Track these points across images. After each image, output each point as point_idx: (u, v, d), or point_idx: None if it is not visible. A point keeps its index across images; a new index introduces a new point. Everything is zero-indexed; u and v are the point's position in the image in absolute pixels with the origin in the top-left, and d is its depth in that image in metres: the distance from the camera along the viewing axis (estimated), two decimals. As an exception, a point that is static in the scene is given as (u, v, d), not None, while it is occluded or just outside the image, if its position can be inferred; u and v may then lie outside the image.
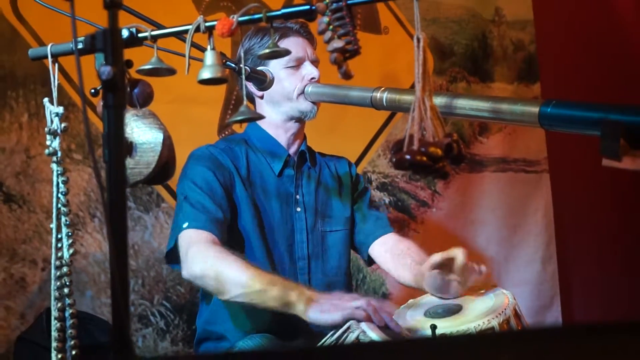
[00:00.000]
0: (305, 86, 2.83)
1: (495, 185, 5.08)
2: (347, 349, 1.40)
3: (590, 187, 5.13)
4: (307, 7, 1.77)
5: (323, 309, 2.38)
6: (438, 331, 2.34)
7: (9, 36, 3.44)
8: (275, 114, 2.93)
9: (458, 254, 2.64)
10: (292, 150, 2.98)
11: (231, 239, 2.77)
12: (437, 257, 2.66)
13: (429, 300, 2.75)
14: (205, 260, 2.57)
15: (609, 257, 5.53)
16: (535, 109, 1.91)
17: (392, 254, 3.02)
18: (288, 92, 2.85)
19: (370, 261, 3.14)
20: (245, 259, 2.64)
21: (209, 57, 1.83)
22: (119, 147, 1.41)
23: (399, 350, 1.07)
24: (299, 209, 2.94)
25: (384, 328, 2.34)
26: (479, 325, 2.39)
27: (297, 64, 2.86)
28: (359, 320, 2.33)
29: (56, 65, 1.95)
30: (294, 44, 2.85)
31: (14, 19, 3.45)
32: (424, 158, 1.54)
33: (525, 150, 5.20)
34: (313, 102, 2.85)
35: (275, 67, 2.81)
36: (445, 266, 2.65)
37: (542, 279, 5.17)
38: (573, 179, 5.16)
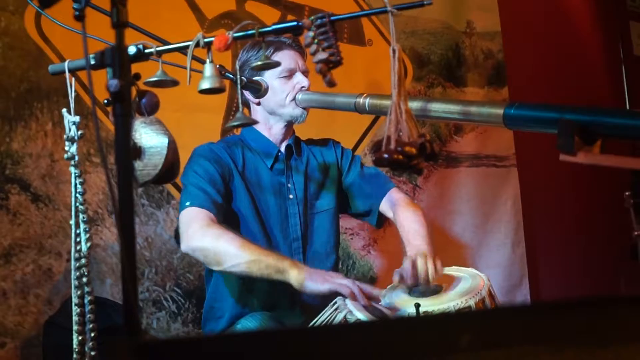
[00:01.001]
0: (297, 94, 2.84)
1: (469, 178, 5.09)
2: (334, 330, 1.39)
3: (553, 179, 5.15)
4: (295, 23, 1.77)
5: (313, 279, 2.40)
6: (421, 309, 2.34)
7: (35, 54, 3.43)
8: (270, 118, 2.96)
9: (405, 276, 2.60)
10: (282, 147, 3.00)
11: (227, 221, 2.76)
12: (395, 278, 2.63)
13: None
14: (204, 234, 2.58)
15: (571, 241, 5.57)
16: (500, 111, 1.91)
17: (394, 217, 3.00)
18: (281, 99, 2.86)
19: (379, 223, 3.12)
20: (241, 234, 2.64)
21: (208, 69, 1.84)
22: (127, 149, 1.40)
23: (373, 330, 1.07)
24: (291, 197, 2.95)
25: (369, 307, 2.35)
26: (457, 304, 2.40)
27: (289, 74, 2.87)
28: (343, 296, 2.34)
29: (73, 79, 1.95)
30: (286, 56, 2.87)
31: (38, 39, 3.44)
32: (400, 156, 1.54)
33: (496, 148, 5.21)
34: (303, 108, 2.86)
35: (269, 77, 2.82)
36: (403, 280, 2.63)
37: (512, 261, 5.18)
38: (538, 172, 5.19)
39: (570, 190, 5.42)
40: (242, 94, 2.86)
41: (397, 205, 2.99)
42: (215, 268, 2.64)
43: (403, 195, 3.10)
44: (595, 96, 5.99)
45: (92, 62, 1.56)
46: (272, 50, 2.86)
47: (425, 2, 1.71)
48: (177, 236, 2.80)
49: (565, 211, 5.58)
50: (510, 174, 5.27)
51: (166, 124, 1.99)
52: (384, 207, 3.04)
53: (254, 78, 2.59)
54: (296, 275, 2.43)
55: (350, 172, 3.12)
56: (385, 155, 1.53)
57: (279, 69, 2.69)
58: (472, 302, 2.41)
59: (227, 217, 2.78)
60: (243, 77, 2.16)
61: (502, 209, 5.19)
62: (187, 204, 2.68)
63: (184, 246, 2.62)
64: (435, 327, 1.09)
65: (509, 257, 5.17)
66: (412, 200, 3.12)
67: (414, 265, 2.58)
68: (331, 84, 1.70)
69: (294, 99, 2.84)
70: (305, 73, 2.90)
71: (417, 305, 2.32)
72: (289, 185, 2.96)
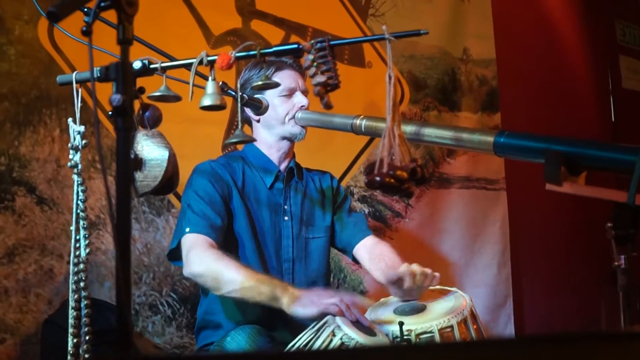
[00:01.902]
0: (296, 112, 2.83)
1: (460, 200, 5.08)
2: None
3: (541, 203, 5.15)
4: (295, 46, 1.76)
5: (303, 304, 2.40)
6: (405, 327, 2.33)
7: (46, 62, 3.42)
8: (269, 135, 2.93)
9: (405, 276, 2.61)
10: (282, 167, 2.97)
11: (227, 242, 2.77)
12: (392, 275, 2.64)
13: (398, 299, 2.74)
14: (203, 261, 2.58)
15: (556, 263, 5.58)
16: (490, 139, 1.90)
17: (369, 256, 3.00)
18: (281, 117, 2.85)
19: (356, 260, 3.11)
20: (238, 260, 2.63)
21: (210, 86, 1.83)
22: (127, 162, 1.39)
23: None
24: (286, 218, 2.93)
25: (356, 322, 2.34)
26: (439, 323, 2.38)
27: (290, 93, 2.87)
28: (333, 315, 2.34)
29: (80, 89, 1.94)
30: (287, 76, 2.86)
31: (50, 48, 3.44)
32: (392, 180, 1.54)
33: (486, 171, 5.21)
34: (302, 127, 2.85)
35: (270, 95, 2.81)
36: (401, 280, 2.63)
37: (498, 281, 5.17)
38: (526, 196, 5.18)
39: (556, 215, 5.42)
40: (243, 111, 2.87)
41: (373, 245, 3.03)
42: (214, 293, 2.64)
43: (379, 239, 3.12)
44: (584, 125, 6.01)
45: (98, 75, 1.55)
46: (273, 70, 2.85)
47: (421, 32, 1.71)
48: (170, 256, 2.82)
49: (551, 235, 5.58)
50: (499, 197, 5.27)
51: (170, 136, 1.99)
52: (360, 251, 3.05)
53: (255, 96, 2.58)
54: (287, 302, 2.45)
55: (341, 208, 3.13)
56: (377, 178, 1.53)
57: (279, 87, 2.69)
58: (454, 322, 2.39)
59: (226, 236, 2.78)
60: (244, 95, 2.15)
61: (490, 230, 5.18)
62: (187, 230, 2.68)
63: (185, 271, 2.64)
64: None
65: (494, 277, 5.15)
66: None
67: (410, 272, 2.59)
68: (328, 106, 1.70)
69: (293, 117, 2.84)
70: (305, 93, 2.89)
71: (401, 324, 2.31)
72: (286, 206, 2.94)
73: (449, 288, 2.76)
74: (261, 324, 2.67)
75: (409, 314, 2.54)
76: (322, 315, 2.38)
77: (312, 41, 1.72)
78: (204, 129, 3.72)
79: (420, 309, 2.57)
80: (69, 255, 3.25)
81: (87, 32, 1.29)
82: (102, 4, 1.36)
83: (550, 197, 1.76)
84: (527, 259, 5.44)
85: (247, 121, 2.99)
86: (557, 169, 1.67)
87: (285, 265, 2.90)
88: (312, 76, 1.71)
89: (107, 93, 1.49)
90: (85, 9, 1.66)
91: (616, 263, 1.62)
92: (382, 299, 2.80)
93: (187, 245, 2.65)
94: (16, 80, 3.34)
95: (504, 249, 5.22)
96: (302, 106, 2.84)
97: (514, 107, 5.47)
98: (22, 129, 3.33)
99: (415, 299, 2.68)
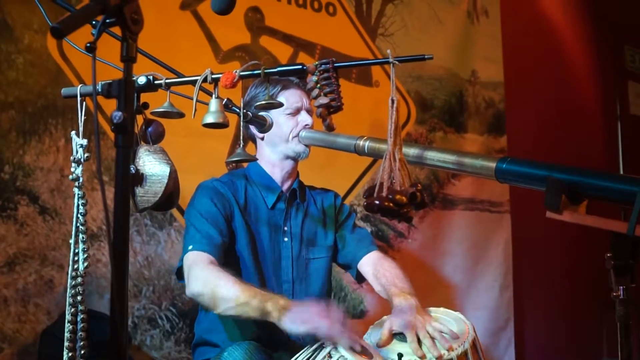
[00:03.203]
0: (300, 131, 2.83)
1: (463, 221, 5.08)
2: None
3: (544, 228, 5.12)
4: (299, 66, 1.77)
5: (292, 320, 2.37)
6: (404, 358, 2.30)
7: (54, 72, 3.44)
8: (273, 153, 2.93)
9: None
10: (285, 187, 2.97)
11: (229, 261, 2.75)
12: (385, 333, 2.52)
13: None
14: (202, 280, 2.57)
15: (557, 287, 5.57)
16: (492, 164, 1.90)
17: (374, 272, 2.97)
18: (285, 135, 2.85)
19: (359, 278, 3.09)
20: (237, 276, 2.62)
21: (213, 104, 1.84)
22: (126, 179, 1.40)
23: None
24: (286, 239, 2.92)
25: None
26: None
27: (295, 112, 2.87)
28: (321, 336, 2.32)
29: (84, 103, 1.95)
30: (292, 95, 2.87)
31: (58, 58, 3.45)
32: (391, 204, 1.54)
33: (491, 193, 5.21)
34: (306, 145, 2.85)
35: (275, 113, 2.78)
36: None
37: (499, 304, 5.16)
38: (530, 220, 5.15)
39: (560, 239, 5.40)
40: (247, 128, 2.87)
41: (377, 260, 3.00)
42: (213, 311, 2.62)
43: (384, 255, 3.08)
44: (591, 151, 6.01)
45: (101, 90, 1.56)
46: (279, 88, 2.86)
47: (426, 57, 1.71)
48: (179, 275, 2.80)
49: (554, 259, 5.57)
50: (503, 219, 5.27)
51: (175, 149, 1.99)
52: (364, 266, 3.02)
53: (260, 113, 2.59)
54: (277, 315, 2.41)
55: (343, 226, 3.11)
56: (376, 202, 1.53)
57: (284, 105, 2.69)
58: (453, 355, 2.35)
59: (228, 256, 2.77)
60: (249, 112, 2.15)
61: (493, 252, 5.17)
62: (190, 247, 2.67)
63: (187, 291, 2.63)
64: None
65: (496, 300, 5.14)
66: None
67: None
68: (330, 128, 1.70)
69: (297, 135, 2.84)
70: (309, 112, 2.89)
71: (400, 356, 2.29)
72: (285, 228, 2.93)
73: (451, 311, 2.70)
74: (259, 342, 2.65)
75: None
76: (312, 334, 2.35)
77: (317, 62, 1.72)
78: (209, 143, 3.73)
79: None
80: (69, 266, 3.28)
81: (91, 49, 1.30)
82: (108, 21, 1.37)
83: (554, 221, 1.75)
84: (529, 282, 5.43)
85: (252, 138, 3.00)
86: (557, 197, 1.67)
87: (285, 286, 2.88)
88: (315, 98, 1.71)
89: (114, 105, 1.49)
90: (93, 22, 1.67)
91: (615, 294, 1.61)
92: (383, 317, 2.75)
93: (188, 263, 2.65)
94: (23, 89, 3.36)
95: (507, 271, 5.21)
96: (307, 125, 2.84)
97: (520, 130, 5.48)
98: (28, 138, 3.34)
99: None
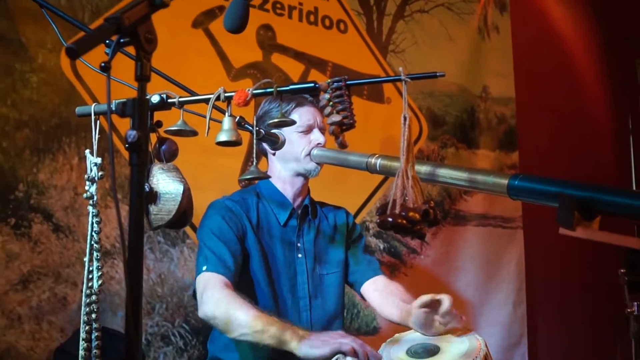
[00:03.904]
0: (312, 149, 2.83)
1: (475, 237, 5.08)
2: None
3: (557, 244, 5.10)
4: (312, 84, 1.77)
5: (313, 345, 2.36)
6: None
7: (68, 91, 3.47)
8: (285, 170, 2.93)
9: (445, 299, 2.57)
10: (296, 204, 2.96)
11: (243, 280, 2.74)
12: (426, 297, 2.60)
13: (411, 337, 2.69)
14: (216, 303, 2.54)
15: (570, 303, 5.54)
16: (504, 181, 1.89)
17: (380, 293, 2.97)
18: (297, 152, 2.85)
19: (362, 297, 3.10)
20: (250, 301, 2.60)
21: (226, 122, 1.85)
22: (140, 197, 1.40)
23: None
24: (300, 255, 2.91)
25: None
26: None
27: (307, 130, 2.86)
28: (344, 354, 2.31)
29: (98, 122, 1.96)
30: (306, 112, 2.86)
31: (72, 77, 3.48)
32: (404, 221, 1.54)
33: (503, 209, 5.20)
34: (317, 163, 2.85)
35: (288, 131, 2.78)
36: (432, 306, 2.60)
37: (513, 320, 5.14)
38: (543, 235, 5.14)
39: (573, 255, 5.39)
40: (259, 144, 2.87)
41: (385, 284, 3.01)
42: (227, 335, 2.61)
43: (390, 280, 3.09)
44: (602, 166, 5.99)
45: (114, 109, 1.57)
46: (293, 105, 2.86)
47: (438, 75, 1.72)
48: (194, 295, 2.78)
49: (567, 275, 5.55)
50: (515, 235, 5.26)
51: (188, 167, 2.00)
52: (368, 288, 3.03)
53: (272, 130, 2.60)
54: (296, 345, 2.39)
55: (354, 244, 3.12)
56: (390, 219, 1.53)
57: (297, 123, 2.69)
58: None
59: (242, 275, 2.75)
60: (261, 129, 2.15)
61: (505, 269, 5.16)
62: (204, 268, 2.65)
63: (200, 312, 2.61)
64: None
65: (509, 316, 5.13)
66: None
67: (437, 300, 2.56)
68: (343, 145, 1.71)
69: (309, 153, 2.84)
70: (322, 130, 2.88)
71: None
72: (299, 244, 2.93)
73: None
74: None
75: (422, 356, 2.50)
76: (333, 354, 2.35)
77: (329, 80, 1.73)
78: (222, 160, 3.74)
79: (433, 351, 2.53)
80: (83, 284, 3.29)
81: (106, 68, 1.31)
82: (122, 40, 1.38)
83: (567, 237, 1.75)
84: (543, 298, 5.40)
85: (264, 153, 2.99)
86: (570, 213, 1.66)
87: (302, 302, 2.87)
88: (328, 115, 1.72)
89: (127, 123, 1.50)
90: (107, 41, 1.68)
91: (629, 310, 1.61)
92: (395, 335, 2.76)
93: (201, 285, 2.63)
94: (37, 108, 3.39)
95: (520, 287, 5.20)
96: (319, 143, 2.84)
97: (532, 146, 5.48)
98: (42, 156, 3.36)
99: (434, 334, 2.63)
